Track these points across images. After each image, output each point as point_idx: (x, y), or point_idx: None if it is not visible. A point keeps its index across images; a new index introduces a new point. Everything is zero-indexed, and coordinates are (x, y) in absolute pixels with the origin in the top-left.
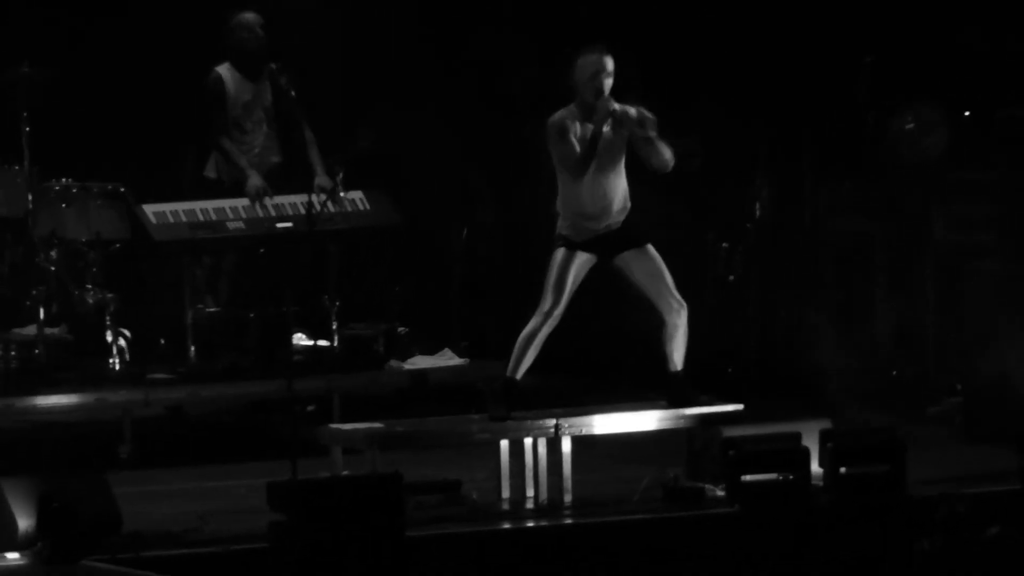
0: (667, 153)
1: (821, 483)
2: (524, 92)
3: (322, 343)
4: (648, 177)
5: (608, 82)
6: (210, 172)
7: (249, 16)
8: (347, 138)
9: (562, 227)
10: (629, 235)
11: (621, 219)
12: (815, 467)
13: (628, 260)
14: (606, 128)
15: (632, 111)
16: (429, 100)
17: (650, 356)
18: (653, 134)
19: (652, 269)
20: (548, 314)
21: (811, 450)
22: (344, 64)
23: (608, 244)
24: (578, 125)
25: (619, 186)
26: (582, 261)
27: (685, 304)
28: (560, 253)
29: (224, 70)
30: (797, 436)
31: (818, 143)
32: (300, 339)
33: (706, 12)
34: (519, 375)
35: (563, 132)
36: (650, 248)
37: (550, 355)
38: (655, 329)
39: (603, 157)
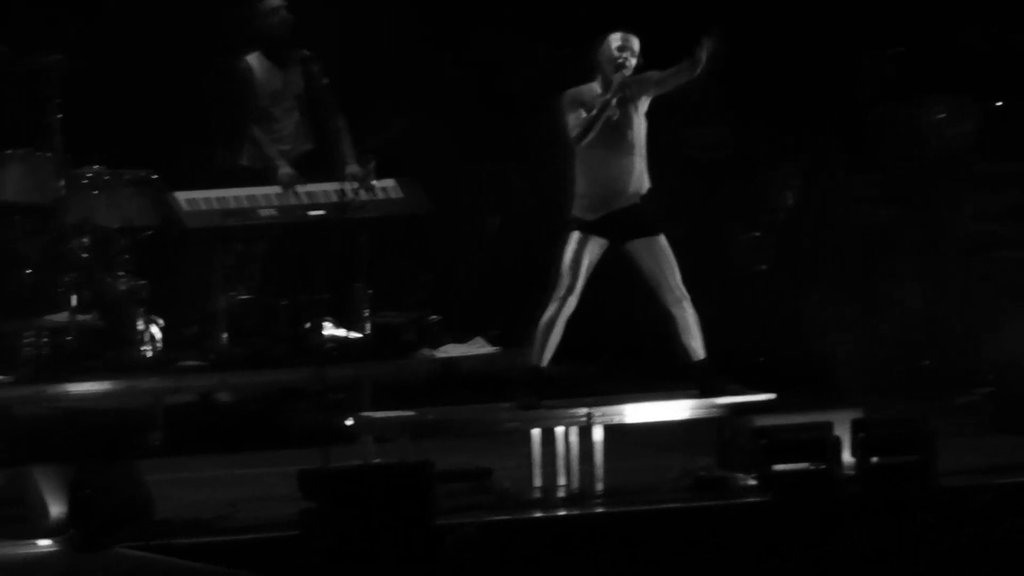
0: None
1: (852, 473)
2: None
3: (353, 331)
4: (676, 168)
5: (632, 61)
6: (243, 160)
7: (276, 3)
8: (379, 125)
9: (575, 208)
10: (643, 222)
11: (635, 201)
12: (846, 457)
13: (638, 248)
14: (617, 103)
15: (647, 74)
16: (457, 88)
17: (667, 344)
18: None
19: (660, 259)
20: (564, 298)
21: (842, 440)
22: (365, 53)
23: (620, 229)
24: (591, 96)
25: (633, 167)
26: (595, 244)
27: (688, 296)
28: (573, 236)
29: (253, 59)
30: (828, 426)
31: (839, 134)
32: (331, 327)
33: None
34: (544, 363)
35: (572, 103)
36: (662, 239)
37: (575, 342)
38: (667, 318)
39: (615, 133)
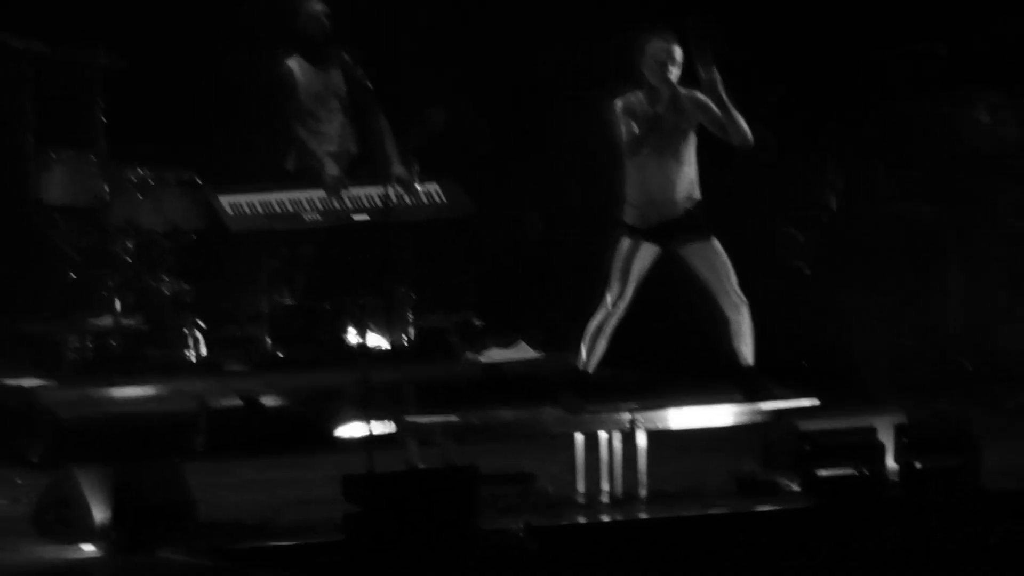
0: (744, 125)
1: (896, 477)
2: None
3: (396, 335)
4: (720, 168)
5: (676, 71)
6: (287, 163)
7: (315, 5)
8: (416, 121)
9: (626, 215)
10: (695, 227)
11: (686, 208)
12: (890, 461)
13: (692, 253)
14: (668, 113)
15: (699, 96)
16: (497, 84)
17: (712, 349)
18: (724, 98)
19: (716, 264)
20: (614, 304)
21: (886, 444)
22: (406, 53)
23: (673, 235)
24: (642, 108)
25: (685, 175)
26: (646, 251)
27: (746, 301)
28: (624, 242)
29: (294, 62)
30: (872, 430)
31: (879, 131)
32: (374, 330)
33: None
34: (591, 368)
35: (624, 113)
36: (715, 242)
37: (622, 347)
38: (718, 323)
39: (666, 143)
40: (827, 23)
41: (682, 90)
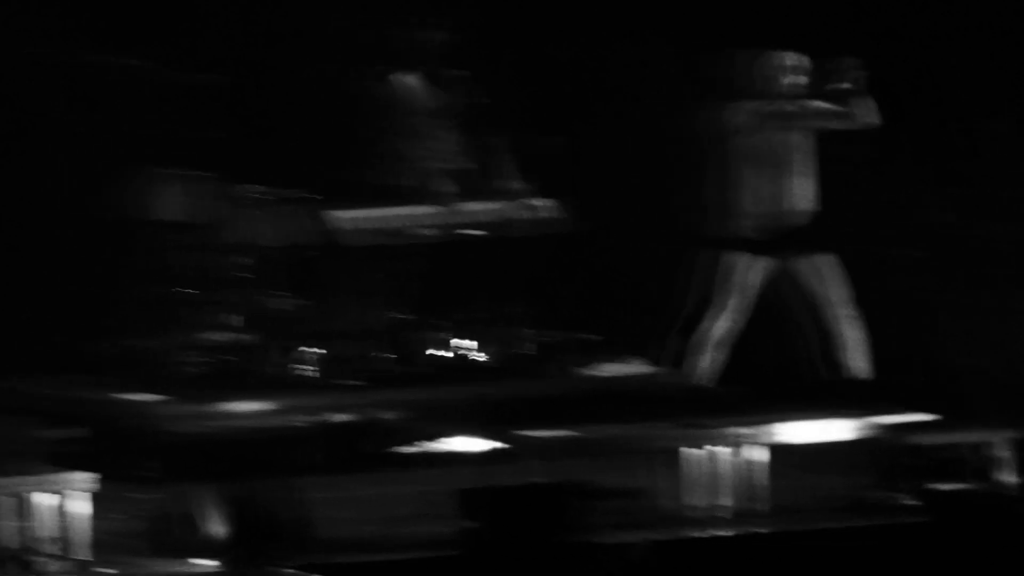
0: (856, 111)
1: (1014, 492)
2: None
3: (510, 350)
4: (832, 182)
5: (799, 81)
6: (401, 179)
7: (434, 30)
8: (537, 143)
9: (740, 227)
10: (810, 242)
11: (802, 222)
12: (1007, 476)
13: (806, 267)
14: (785, 125)
15: (810, 104)
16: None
17: (824, 363)
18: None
19: (830, 278)
20: (728, 319)
21: (1003, 459)
22: (522, 68)
23: (788, 249)
24: (749, 121)
25: (800, 187)
26: (761, 265)
27: (858, 316)
28: (738, 256)
29: (409, 78)
30: (988, 444)
31: (989, 146)
32: (489, 346)
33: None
34: (705, 382)
35: (736, 120)
36: (830, 258)
37: (735, 361)
38: (831, 338)
39: (782, 155)
40: (929, 37)
41: (791, 102)
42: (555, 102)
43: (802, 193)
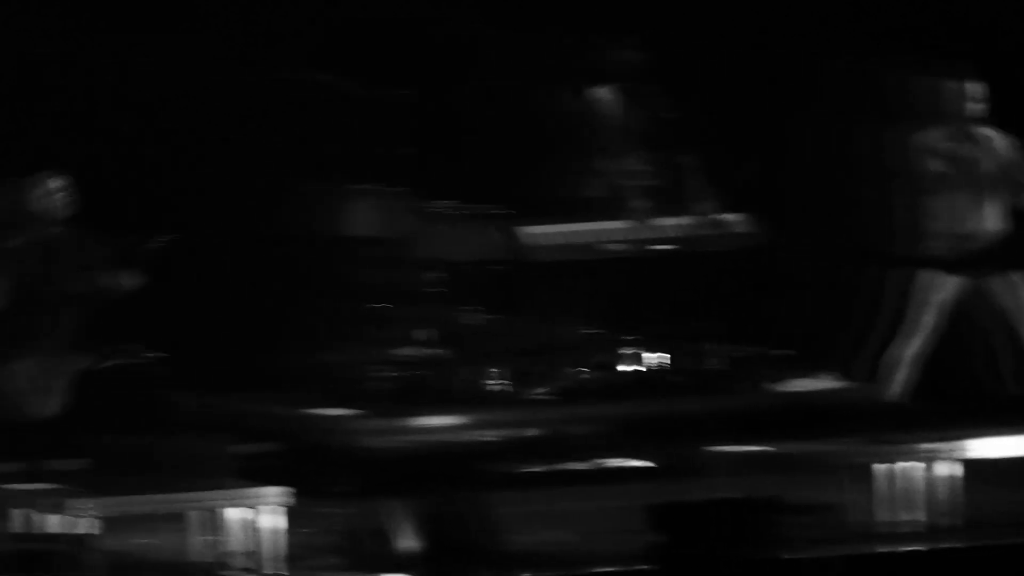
0: None
1: None
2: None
3: (700, 365)
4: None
5: (974, 107)
6: (591, 194)
7: (624, 50)
8: (722, 156)
9: (931, 246)
10: (1001, 260)
11: (994, 240)
12: None
13: (997, 285)
14: (969, 147)
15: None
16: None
17: (1013, 380)
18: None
19: (1021, 297)
20: (919, 336)
21: None
22: (709, 85)
23: (979, 266)
24: (948, 147)
25: (991, 206)
26: (951, 283)
27: None
28: (928, 274)
29: (596, 93)
30: None
31: None
32: (679, 360)
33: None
34: (897, 399)
35: (925, 146)
36: (1019, 275)
37: (925, 378)
38: (1019, 354)
39: (973, 177)
40: None
41: (983, 128)
42: (747, 118)
43: (993, 211)
